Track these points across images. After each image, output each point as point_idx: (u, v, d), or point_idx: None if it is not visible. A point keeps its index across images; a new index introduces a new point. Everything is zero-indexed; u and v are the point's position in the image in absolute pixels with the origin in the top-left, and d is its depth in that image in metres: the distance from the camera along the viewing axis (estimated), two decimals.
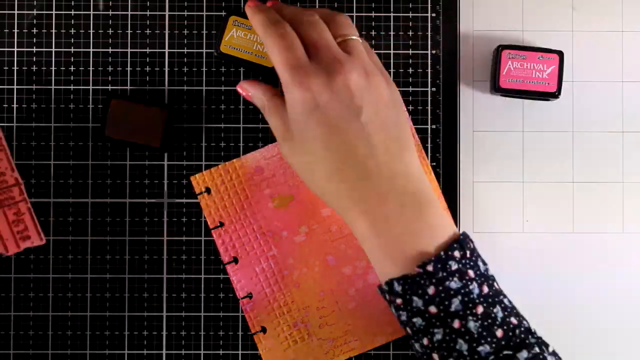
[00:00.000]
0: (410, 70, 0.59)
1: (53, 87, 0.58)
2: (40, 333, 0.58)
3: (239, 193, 0.58)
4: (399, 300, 0.45)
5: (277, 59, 0.48)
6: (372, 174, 0.47)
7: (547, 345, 0.46)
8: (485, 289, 0.45)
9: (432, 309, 0.44)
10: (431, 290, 0.44)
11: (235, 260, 0.58)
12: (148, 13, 0.59)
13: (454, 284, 0.44)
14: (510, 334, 0.44)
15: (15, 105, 0.58)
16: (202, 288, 0.58)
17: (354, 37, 0.50)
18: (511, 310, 0.46)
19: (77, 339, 0.58)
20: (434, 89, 0.59)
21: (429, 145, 0.59)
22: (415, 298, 0.44)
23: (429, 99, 0.59)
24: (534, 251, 0.59)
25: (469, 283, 0.44)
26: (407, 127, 0.49)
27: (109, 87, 0.58)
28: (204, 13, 0.59)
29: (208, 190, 0.58)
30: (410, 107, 0.59)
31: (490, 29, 0.59)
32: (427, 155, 0.58)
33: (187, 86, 0.58)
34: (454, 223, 0.58)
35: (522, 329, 0.45)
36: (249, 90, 0.53)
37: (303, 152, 0.49)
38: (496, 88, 0.57)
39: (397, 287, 0.45)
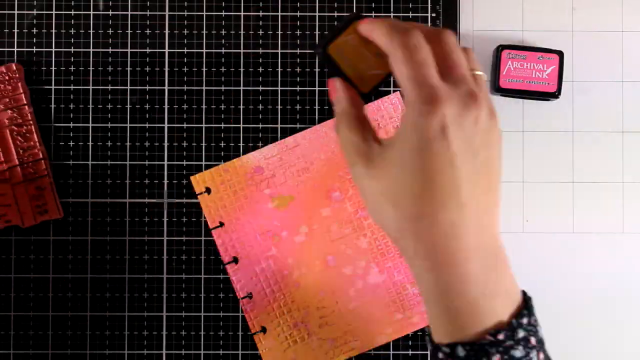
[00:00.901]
0: None
1: (53, 87, 0.58)
2: (40, 333, 0.58)
3: (239, 193, 0.58)
4: None
5: (407, 74, 0.42)
6: (461, 225, 0.41)
7: None
8: (542, 356, 0.44)
9: None
10: (496, 358, 0.41)
11: (235, 260, 0.58)
12: (148, 13, 0.59)
13: (519, 352, 0.41)
14: None
15: None
16: (202, 288, 0.58)
17: (481, 73, 0.45)
18: None
19: (77, 339, 0.58)
20: None
21: None
22: None
23: None
24: (534, 251, 0.59)
25: (531, 351, 0.42)
26: (500, 179, 0.45)
27: (109, 87, 0.58)
28: (204, 13, 0.59)
29: (208, 190, 0.58)
30: None
31: (490, 29, 0.59)
32: None
33: (187, 86, 0.58)
34: None
35: None
36: (338, 90, 0.47)
37: (388, 178, 0.43)
38: (496, 88, 0.57)
39: (461, 352, 0.42)
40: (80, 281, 0.58)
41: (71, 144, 0.58)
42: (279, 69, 0.59)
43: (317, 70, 0.59)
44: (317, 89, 0.59)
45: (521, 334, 0.42)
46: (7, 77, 0.56)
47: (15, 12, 0.58)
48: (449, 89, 0.42)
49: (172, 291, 0.58)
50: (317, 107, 0.59)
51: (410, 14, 0.59)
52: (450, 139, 0.41)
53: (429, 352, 0.43)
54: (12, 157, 0.56)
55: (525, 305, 0.43)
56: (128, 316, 0.58)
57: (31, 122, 0.56)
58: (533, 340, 0.42)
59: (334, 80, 0.47)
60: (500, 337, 0.41)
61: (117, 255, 0.58)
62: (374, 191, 0.44)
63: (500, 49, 0.56)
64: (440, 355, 0.43)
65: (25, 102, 0.56)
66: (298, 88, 0.59)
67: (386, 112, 0.58)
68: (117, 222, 0.58)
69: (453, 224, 0.41)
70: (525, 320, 0.42)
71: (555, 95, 0.56)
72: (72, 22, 0.59)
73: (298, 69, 0.59)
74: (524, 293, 0.44)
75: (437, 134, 0.41)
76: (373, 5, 0.59)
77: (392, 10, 0.59)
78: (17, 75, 0.56)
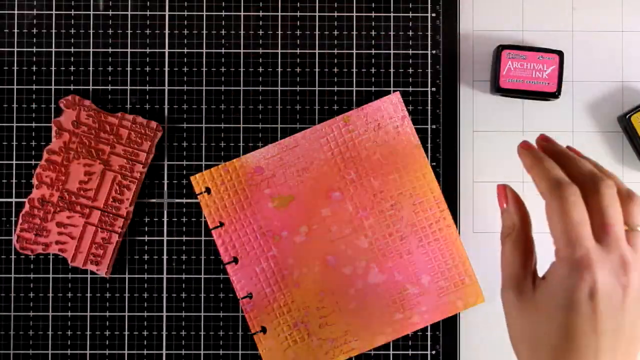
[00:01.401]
0: (410, 70, 0.59)
1: (53, 87, 0.58)
2: (40, 333, 0.58)
3: (239, 193, 0.58)
4: None
5: (559, 228, 0.43)
6: None
7: None
8: None
9: None
10: None
11: (235, 260, 0.58)
12: (148, 13, 0.59)
13: None
14: None
15: (15, 105, 0.58)
16: (202, 288, 0.58)
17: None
18: None
19: (77, 339, 0.58)
20: (434, 89, 0.59)
21: (429, 145, 0.59)
22: None
23: (429, 99, 0.59)
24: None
25: None
26: None
27: (109, 87, 0.58)
28: (204, 13, 0.59)
29: (208, 190, 0.58)
30: (410, 107, 0.59)
31: (490, 29, 0.59)
32: (427, 155, 0.58)
33: (187, 86, 0.58)
34: (454, 222, 0.58)
35: None
36: (510, 201, 0.48)
37: (532, 322, 0.44)
38: (496, 88, 0.57)
39: None
40: (81, 281, 0.58)
41: None
42: (279, 69, 0.59)
43: (317, 70, 0.59)
44: (317, 89, 0.59)
45: None
46: (142, 131, 0.56)
47: (15, 12, 0.58)
48: (602, 253, 0.42)
49: (172, 291, 0.58)
50: (317, 107, 0.59)
51: (410, 14, 0.59)
52: (597, 305, 0.41)
53: None
54: (100, 200, 0.56)
55: None
56: (128, 316, 0.58)
57: (136, 181, 0.56)
58: None
59: (503, 187, 0.49)
60: None
61: (117, 255, 0.58)
62: (517, 324, 0.45)
63: (500, 49, 0.56)
64: None
65: (143, 161, 0.56)
66: (298, 88, 0.59)
67: (386, 113, 0.58)
68: None
69: None
70: None
71: (555, 95, 0.56)
72: (72, 22, 0.59)
73: (298, 69, 0.59)
74: None
75: (585, 297, 0.41)
76: (373, 5, 0.59)
77: (392, 10, 0.59)
78: (151, 135, 0.56)
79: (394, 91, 0.59)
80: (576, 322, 0.42)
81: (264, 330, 0.57)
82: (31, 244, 0.56)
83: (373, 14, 0.59)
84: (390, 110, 0.58)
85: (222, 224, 0.58)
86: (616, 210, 0.43)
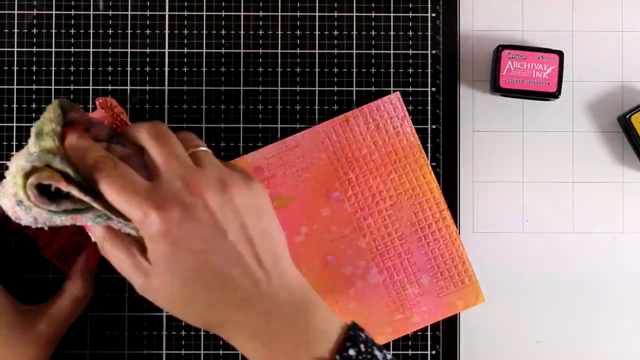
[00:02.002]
0: (410, 70, 0.59)
1: (53, 87, 0.58)
2: None
3: None
4: None
5: (116, 195, 0.42)
6: (252, 294, 0.43)
7: None
8: None
9: None
10: None
11: None
12: (148, 13, 0.59)
13: None
14: None
15: (15, 105, 0.58)
16: None
17: (202, 148, 0.46)
18: None
19: (77, 339, 0.58)
20: (434, 89, 0.59)
21: (429, 145, 0.59)
22: None
23: (429, 99, 0.59)
24: (534, 251, 0.59)
25: None
26: (277, 232, 0.46)
27: (109, 87, 0.58)
28: (204, 13, 0.59)
29: None
30: (410, 107, 0.59)
31: (490, 29, 0.59)
32: (427, 155, 0.58)
33: (187, 86, 0.58)
34: (454, 222, 0.58)
35: None
36: (90, 227, 0.47)
37: (171, 286, 0.44)
38: (496, 88, 0.57)
39: None
40: None
41: None
42: (279, 69, 0.59)
43: (317, 70, 0.59)
44: (317, 89, 0.59)
45: None
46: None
47: (15, 12, 0.58)
48: (162, 187, 0.42)
49: None
50: (317, 107, 0.59)
51: (410, 14, 0.59)
52: (189, 236, 0.42)
53: None
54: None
55: (350, 337, 0.43)
56: (128, 316, 0.58)
57: None
58: None
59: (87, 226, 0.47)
60: None
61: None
62: (171, 299, 0.45)
63: (500, 49, 0.56)
64: None
65: None
66: (298, 88, 0.59)
67: (386, 113, 0.58)
68: None
69: (237, 305, 0.43)
70: (352, 352, 0.42)
71: (555, 95, 0.56)
72: (72, 22, 0.59)
73: (298, 69, 0.59)
74: (347, 325, 0.44)
75: (174, 238, 0.42)
76: (373, 5, 0.59)
77: (392, 10, 0.59)
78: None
79: (394, 91, 0.59)
80: (201, 269, 0.42)
81: None
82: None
83: (373, 14, 0.59)
84: (391, 110, 0.58)
85: None
86: (171, 144, 0.44)
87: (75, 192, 0.42)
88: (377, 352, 0.44)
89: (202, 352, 0.58)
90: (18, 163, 0.42)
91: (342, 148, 0.58)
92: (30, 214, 0.43)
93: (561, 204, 0.59)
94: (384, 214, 0.58)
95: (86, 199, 0.42)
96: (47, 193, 0.43)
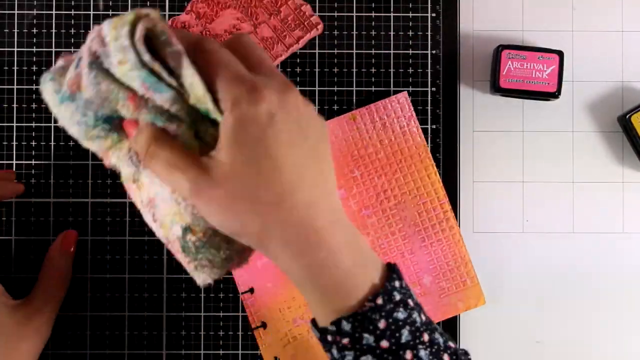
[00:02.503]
0: (410, 70, 0.59)
1: None
2: None
3: None
4: (345, 340, 0.42)
5: (221, 75, 0.41)
6: (316, 204, 0.42)
7: None
8: (424, 317, 0.44)
9: (384, 344, 0.42)
10: (382, 324, 0.42)
11: None
12: None
13: (401, 314, 0.42)
14: (454, 357, 0.44)
15: (15, 105, 0.58)
16: (202, 288, 0.58)
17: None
18: (446, 335, 0.45)
19: (77, 339, 0.58)
20: (434, 89, 0.59)
21: (429, 145, 0.59)
22: (366, 335, 0.42)
23: (429, 99, 0.59)
24: (534, 251, 0.59)
25: (412, 312, 0.43)
26: (332, 164, 0.45)
27: None
28: None
29: None
30: None
31: (490, 29, 0.60)
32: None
33: None
34: (456, 223, 0.58)
35: (461, 350, 0.45)
36: (138, 130, 0.44)
37: (241, 176, 0.42)
38: (496, 88, 0.57)
39: (347, 326, 0.42)
40: (81, 281, 0.58)
41: (71, 144, 0.58)
42: (279, 69, 0.59)
43: (317, 70, 0.59)
44: (317, 89, 0.59)
45: (398, 296, 0.43)
46: (302, 20, 0.54)
47: (15, 12, 0.58)
48: (266, 80, 0.42)
49: (172, 291, 0.58)
50: (317, 107, 0.59)
51: (410, 14, 0.59)
52: (281, 124, 0.41)
53: (321, 343, 0.43)
54: None
55: (393, 270, 0.44)
56: (128, 316, 0.58)
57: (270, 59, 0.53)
58: (411, 302, 0.43)
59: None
60: (379, 301, 0.42)
61: (117, 255, 0.58)
62: (218, 208, 0.42)
63: (500, 49, 0.57)
64: (329, 337, 0.43)
65: (287, 45, 0.56)
66: (298, 88, 0.59)
67: (393, 112, 0.58)
68: (117, 222, 0.58)
69: (308, 204, 0.42)
70: (397, 284, 0.43)
71: (555, 95, 0.57)
72: (72, 22, 0.59)
73: (298, 69, 0.59)
74: (388, 263, 0.45)
75: (267, 120, 0.41)
76: (373, 5, 0.59)
77: (392, 10, 0.59)
78: (308, 27, 0.54)
79: (394, 91, 0.59)
80: (273, 147, 0.41)
81: (264, 325, 0.57)
82: None
83: (373, 14, 0.59)
84: (398, 109, 0.58)
85: None
86: (262, 52, 0.44)
87: (178, 46, 0.41)
88: (413, 294, 0.45)
89: (202, 352, 0.58)
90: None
91: (348, 146, 0.58)
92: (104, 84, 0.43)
93: (561, 204, 0.59)
94: (387, 213, 0.58)
95: (186, 62, 0.40)
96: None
